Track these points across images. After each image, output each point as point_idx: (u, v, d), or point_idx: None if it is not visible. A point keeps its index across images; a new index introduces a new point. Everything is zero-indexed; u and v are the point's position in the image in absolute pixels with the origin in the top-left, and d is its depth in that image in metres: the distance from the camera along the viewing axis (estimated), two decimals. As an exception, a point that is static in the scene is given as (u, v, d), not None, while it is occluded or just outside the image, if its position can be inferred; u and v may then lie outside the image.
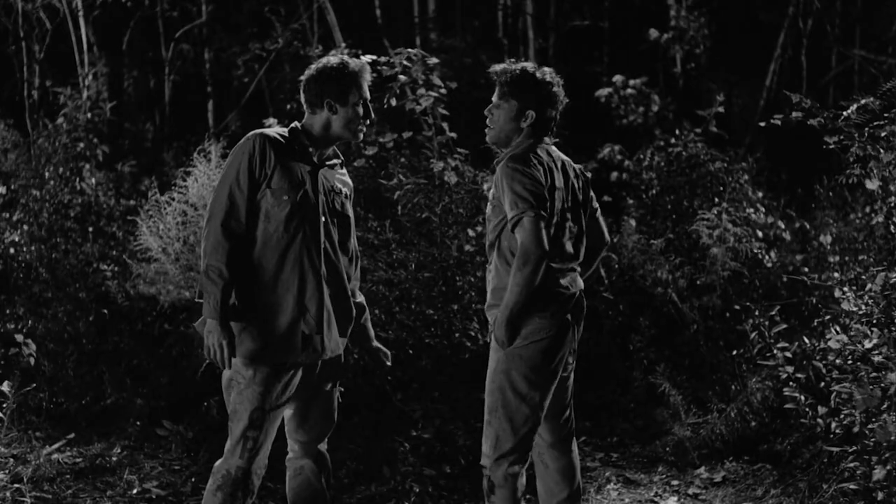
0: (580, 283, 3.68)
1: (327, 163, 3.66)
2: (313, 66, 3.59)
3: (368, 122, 3.65)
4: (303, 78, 3.59)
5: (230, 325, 3.46)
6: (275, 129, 3.63)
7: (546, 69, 3.67)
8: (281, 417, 3.54)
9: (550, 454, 3.83)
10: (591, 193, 3.80)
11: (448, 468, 4.98)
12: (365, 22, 13.47)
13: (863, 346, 4.32)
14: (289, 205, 3.45)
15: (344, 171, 3.80)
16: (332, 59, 3.61)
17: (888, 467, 3.88)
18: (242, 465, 3.42)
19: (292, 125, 3.63)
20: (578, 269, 3.69)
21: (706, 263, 6.35)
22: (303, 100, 3.60)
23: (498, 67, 3.68)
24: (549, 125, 3.69)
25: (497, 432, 3.56)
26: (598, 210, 3.84)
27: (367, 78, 3.63)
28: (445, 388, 5.65)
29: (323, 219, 3.55)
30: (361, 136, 3.67)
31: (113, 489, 4.76)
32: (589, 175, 3.84)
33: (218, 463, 3.48)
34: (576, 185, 3.69)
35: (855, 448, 4.20)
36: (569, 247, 3.59)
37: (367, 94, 3.62)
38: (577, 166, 3.77)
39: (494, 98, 3.67)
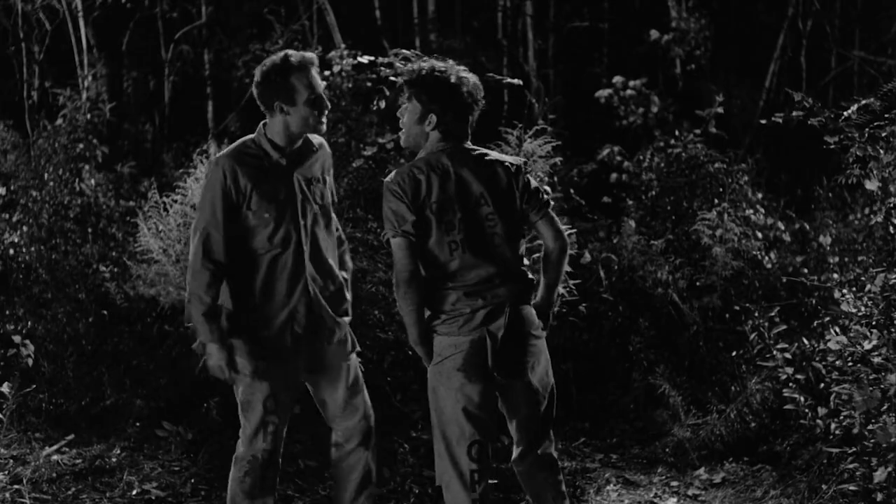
0: (512, 291, 3.41)
1: (299, 160, 3.66)
2: (258, 69, 3.54)
3: (326, 112, 3.64)
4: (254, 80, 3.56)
5: (226, 343, 3.54)
6: (239, 143, 3.63)
7: (455, 67, 3.45)
8: (294, 400, 3.74)
9: (517, 469, 3.65)
10: (536, 189, 3.49)
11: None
12: (364, 23, 13.46)
13: (862, 347, 4.32)
14: (271, 221, 3.56)
15: (317, 144, 3.77)
16: (275, 57, 3.56)
17: (889, 469, 3.88)
18: (268, 448, 3.63)
19: (257, 129, 3.64)
20: (513, 275, 3.44)
21: (706, 264, 6.35)
22: (258, 103, 3.58)
23: (405, 67, 3.50)
24: (460, 128, 3.45)
25: (438, 452, 3.44)
26: (548, 208, 3.51)
27: (313, 70, 3.58)
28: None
29: (305, 219, 3.60)
30: (324, 127, 3.66)
31: (112, 490, 4.76)
32: (526, 169, 3.54)
33: (241, 451, 3.66)
34: (509, 185, 3.44)
35: (854, 449, 4.20)
36: (464, 259, 3.35)
37: (318, 87, 3.59)
38: (512, 162, 3.49)
39: (401, 99, 3.50)
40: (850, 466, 4.20)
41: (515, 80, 6.71)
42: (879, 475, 3.90)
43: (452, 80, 3.41)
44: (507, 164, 3.49)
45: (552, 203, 3.56)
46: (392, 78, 6.37)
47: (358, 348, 3.85)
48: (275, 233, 3.56)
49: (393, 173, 3.41)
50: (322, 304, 3.66)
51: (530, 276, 3.53)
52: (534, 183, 3.51)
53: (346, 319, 3.79)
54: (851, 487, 4.14)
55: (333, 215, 3.84)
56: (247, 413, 3.64)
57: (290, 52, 3.58)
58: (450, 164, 3.39)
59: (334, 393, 3.79)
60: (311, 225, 3.65)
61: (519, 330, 3.42)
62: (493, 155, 3.51)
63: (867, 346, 4.31)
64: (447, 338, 3.38)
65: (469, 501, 3.36)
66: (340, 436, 3.86)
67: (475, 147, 3.51)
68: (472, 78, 3.47)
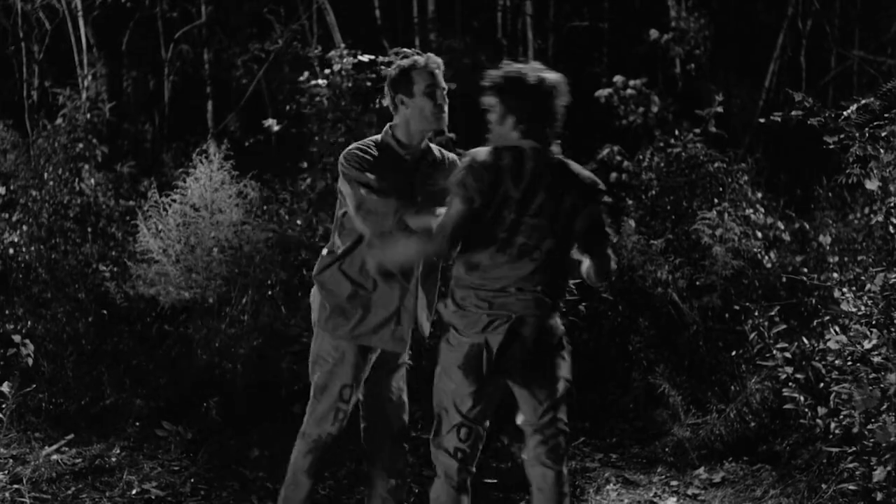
0: (527, 306, 3.40)
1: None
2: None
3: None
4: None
5: None
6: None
7: (537, 70, 3.42)
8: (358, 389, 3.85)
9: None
10: (601, 223, 3.47)
11: (447, 469, 4.98)
12: (364, 22, 13.47)
13: (862, 346, 4.32)
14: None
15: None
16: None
17: (888, 468, 3.88)
18: (334, 433, 3.82)
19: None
20: (536, 291, 3.41)
21: (706, 264, 6.35)
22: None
23: (491, 71, 3.48)
24: (539, 131, 3.42)
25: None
26: (605, 247, 3.49)
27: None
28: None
29: None
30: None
31: (112, 490, 4.75)
32: (601, 196, 3.49)
33: (308, 429, 3.86)
34: (574, 206, 3.41)
35: (854, 449, 4.20)
36: (495, 259, 3.37)
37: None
38: (590, 182, 3.47)
39: (487, 100, 3.50)
40: (850, 466, 4.20)
41: (515, 80, 6.69)
42: (879, 474, 3.90)
43: (531, 81, 3.36)
44: (584, 181, 3.45)
45: (612, 240, 3.55)
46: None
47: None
48: None
49: (484, 152, 3.39)
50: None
51: (561, 298, 3.53)
52: (603, 215, 3.48)
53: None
54: (851, 487, 4.14)
55: None
56: (320, 396, 3.82)
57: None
58: (529, 165, 3.35)
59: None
60: None
61: (527, 342, 3.42)
62: (574, 168, 3.46)
63: (867, 345, 4.31)
64: (455, 333, 3.43)
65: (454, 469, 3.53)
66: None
67: (557, 156, 3.45)
68: (555, 80, 3.40)
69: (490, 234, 3.34)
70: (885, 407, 4.04)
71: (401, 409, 4.04)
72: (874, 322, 4.42)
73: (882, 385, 4.07)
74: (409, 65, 3.78)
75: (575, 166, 3.47)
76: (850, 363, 4.39)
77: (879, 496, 3.95)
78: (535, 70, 3.40)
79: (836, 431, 4.34)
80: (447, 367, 3.46)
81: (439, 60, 3.85)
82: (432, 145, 3.92)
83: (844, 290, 4.93)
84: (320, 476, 3.97)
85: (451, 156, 3.94)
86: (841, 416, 4.30)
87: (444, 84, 3.80)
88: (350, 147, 3.80)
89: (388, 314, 3.75)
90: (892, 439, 3.89)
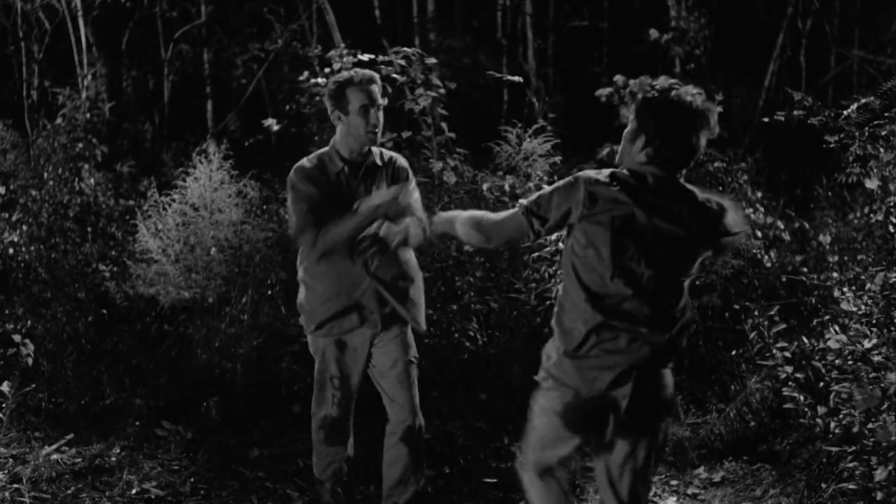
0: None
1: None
2: None
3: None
4: None
5: None
6: None
7: (688, 93, 3.08)
8: (359, 377, 4.16)
9: None
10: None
11: (447, 468, 4.98)
12: (364, 22, 13.47)
13: (862, 346, 4.32)
14: None
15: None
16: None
17: (889, 468, 3.88)
18: (334, 415, 4.16)
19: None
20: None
21: (705, 263, 6.35)
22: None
23: (645, 88, 3.24)
24: (668, 156, 3.10)
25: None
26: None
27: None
28: (445, 389, 5.65)
29: None
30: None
31: (112, 489, 4.75)
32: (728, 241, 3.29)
33: (314, 409, 4.20)
34: (691, 249, 3.20)
35: (854, 448, 4.20)
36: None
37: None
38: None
39: (626, 113, 3.27)
40: (850, 465, 4.20)
41: (515, 78, 6.72)
42: (880, 474, 3.90)
43: (673, 102, 3.05)
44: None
45: None
46: (395, 76, 6.38)
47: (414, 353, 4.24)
48: None
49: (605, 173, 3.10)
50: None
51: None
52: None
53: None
54: (851, 486, 4.14)
55: None
56: (316, 385, 4.18)
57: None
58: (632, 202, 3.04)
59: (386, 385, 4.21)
60: None
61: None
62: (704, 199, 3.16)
63: (867, 344, 4.30)
64: None
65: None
66: (388, 427, 4.26)
67: (684, 185, 3.16)
68: (702, 104, 3.06)
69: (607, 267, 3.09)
70: (885, 406, 4.04)
71: (403, 409, 4.19)
72: (874, 321, 4.42)
73: (882, 384, 4.07)
74: (344, 80, 3.91)
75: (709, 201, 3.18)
76: (850, 363, 4.39)
77: (879, 495, 3.94)
78: (685, 92, 3.08)
79: (836, 431, 4.34)
80: None
81: (374, 76, 3.94)
82: (375, 150, 4.08)
83: (844, 289, 4.93)
84: (343, 442, 4.25)
85: (398, 159, 4.13)
86: (841, 416, 4.29)
87: (379, 100, 3.91)
88: (297, 165, 4.01)
89: (348, 302, 3.99)
90: (893, 439, 3.89)
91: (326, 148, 4.06)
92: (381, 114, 3.95)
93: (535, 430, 3.30)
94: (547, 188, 3.17)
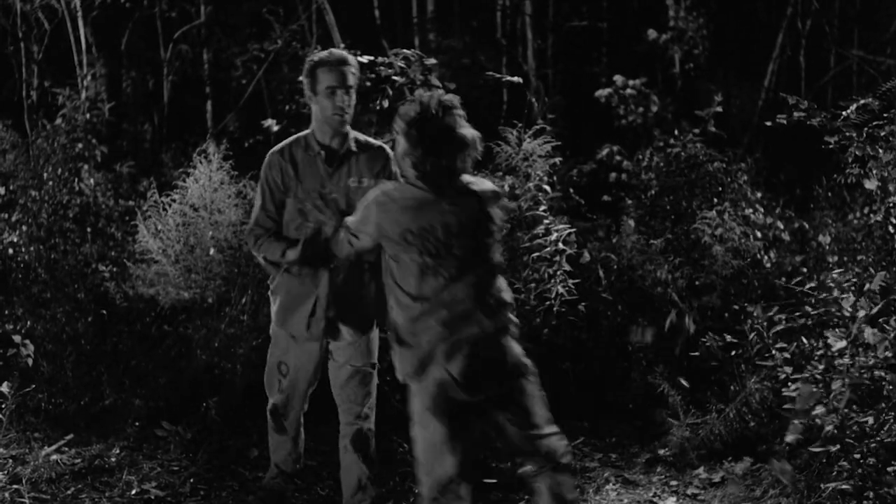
0: None
1: None
2: None
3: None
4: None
5: None
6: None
7: (449, 117, 3.39)
8: (309, 374, 4.22)
9: None
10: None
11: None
12: (363, 22, 13.46)
13: (862, 347, 4.32)
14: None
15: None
16: None
17: (891, 469, 3.88)
18: (277, 402, 4.28)
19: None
20: None
21: (705, 263, 6.35)
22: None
23: (405, 105, 3.49)
24: (437, 173, 3.43)
25: None
26: None
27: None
28: (444, 389, 5.64)
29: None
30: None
31: (112, 490, 4.76)
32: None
33: (268, 396, 4.32)
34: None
35: (855, 447, 4.19)
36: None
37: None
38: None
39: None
40: (849, 465, 4.20)
41: (515, 78, 6.71)
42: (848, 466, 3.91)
43: (437, 125, 3.36)
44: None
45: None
46: (394, 77, 6.37)
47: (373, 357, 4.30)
48: None
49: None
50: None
51: None
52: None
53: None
54: (849, 486, 4.14)
55: None
56: (267, 368, 4.31)
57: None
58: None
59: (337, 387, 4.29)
60: None
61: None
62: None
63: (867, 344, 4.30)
64: None
65: None
66: (340, 432, 4.33)
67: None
68: (466, 133, 3.40)
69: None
70: (883, 406, 4.04)
71: (348, 413, 4.26)
72: (875, 322, 4.41)
73: (882, 384, 4.07)
74: (316, 60, 3.89)
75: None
76: (849, 363, 4.39)
77: (871, 494, 3.94)
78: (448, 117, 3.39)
79: (835, 431, 4.34)
80: None
81: (348, 58, 3.91)
82: (354, 136, 4.02)
83: (844, 289, 4.93)
84: (286, 432, 4.35)
85: (373, 145, 4.07)
86: (840, 416, 4.29)
87: (351, 82, 3.87)
88: (273, 149, 4.05)
89: (301, 304, 4.06)
90: (890, 439, 3.89)
91: (308, 130, 4.05)
92: (349, 97, 3.90)
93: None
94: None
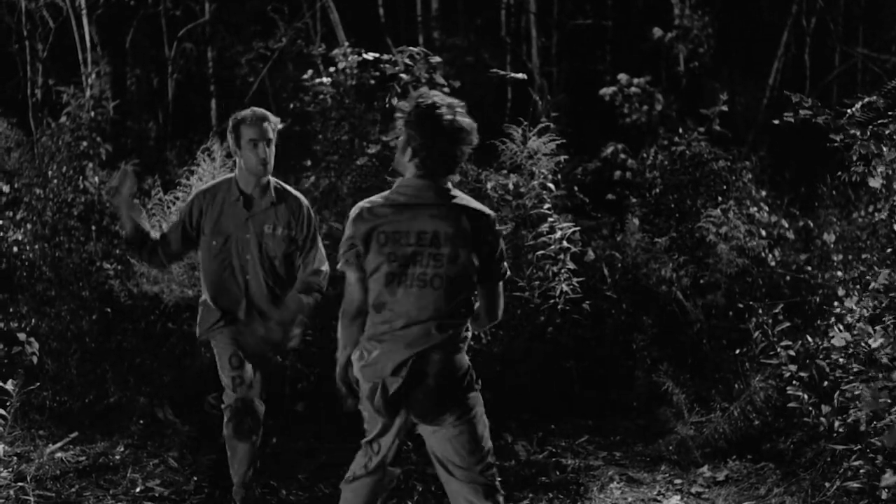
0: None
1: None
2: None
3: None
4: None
5: None
6: None
7: (450, 108, 3.34)
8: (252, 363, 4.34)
9: None
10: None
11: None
12: (368, 20, 13.46)
13: (868, 346, 4.31)
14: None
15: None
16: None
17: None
18: (241, 396, 4.27)
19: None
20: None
21: (710, 262, 6.34)
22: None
23: (406, 100, 3.44)
24: (437, 166, 3.36)
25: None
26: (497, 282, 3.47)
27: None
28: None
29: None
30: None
31: (116, 487, 4.76)
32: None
33: (226, 401, 4.31)
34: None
35: (859, 447, 4.19)
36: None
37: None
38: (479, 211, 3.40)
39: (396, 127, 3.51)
40: (855, 464, 4.19)
41: (519, 75, 6.70)
42: (888, 478, 3.89)
43: (443, 118, 3.30)
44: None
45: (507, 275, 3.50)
46: (401, 75, 6.37)
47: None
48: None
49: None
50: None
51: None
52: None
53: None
54: (855, 485, 4.13)
55: None
56: (221, 370, 4.34)
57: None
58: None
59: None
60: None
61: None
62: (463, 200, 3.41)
63: (873, 344, 4.29)
64: None
65: None
66: None
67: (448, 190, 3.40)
68: (464, 120, 3.34)
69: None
70: (893, 408, 4.03)
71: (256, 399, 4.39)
72: (879, 320, 4.41)
73: (889, 385, 4.07)
74: (240, 118, 4.30)
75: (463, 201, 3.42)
76: (854, 361, 4.38)
77: (885, 494, 3.94)
78: (449, 107, 3.33)
79: (840, 430, 4.34)
80: None
81: (267, 115, 4.33)
82: (274, 184, 4.42)
83: (849, 286, 4.92)
84: (251, 437, 4.30)
85: (291, 199, 4.42)
86: (845, 415, 4.29)
87: (270, 136, 4.27)
88: (201, 187, 4.48)
89: (220, 315, 4.39)
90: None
91: (232, 175, 4.45)
92: (270, 149, 4.29)
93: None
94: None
